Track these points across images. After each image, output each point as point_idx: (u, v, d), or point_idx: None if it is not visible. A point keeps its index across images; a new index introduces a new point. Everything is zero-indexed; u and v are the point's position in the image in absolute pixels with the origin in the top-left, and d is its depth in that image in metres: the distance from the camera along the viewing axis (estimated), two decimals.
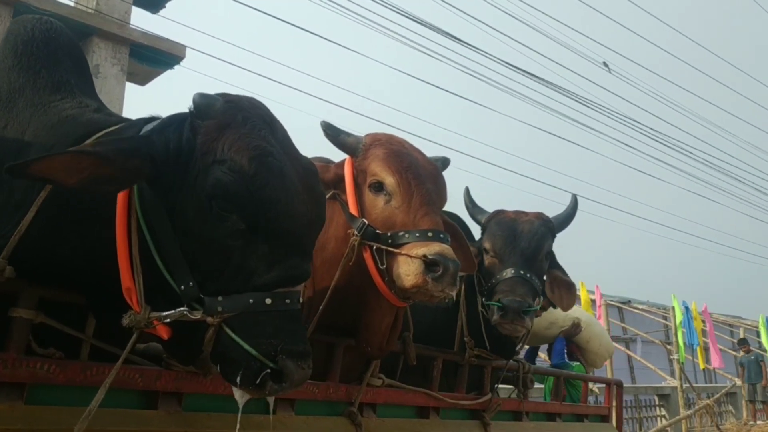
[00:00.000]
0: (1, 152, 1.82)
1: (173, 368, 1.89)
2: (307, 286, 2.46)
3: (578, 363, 5.67)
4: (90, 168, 1.49)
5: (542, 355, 6.73)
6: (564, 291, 3.36)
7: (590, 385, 5.37)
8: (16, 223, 1.71)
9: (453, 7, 11.45)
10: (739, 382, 15.56)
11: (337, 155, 2.56)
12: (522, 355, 4.04)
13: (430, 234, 2.17)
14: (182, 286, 1.53)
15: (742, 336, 17.68)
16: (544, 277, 3.21)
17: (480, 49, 11.48)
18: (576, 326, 5.65)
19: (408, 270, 2.12)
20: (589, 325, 5.92)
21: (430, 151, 2.60)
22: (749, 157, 35.33)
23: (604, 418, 4.27)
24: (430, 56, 11.01)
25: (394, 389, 2.68)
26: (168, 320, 1.54)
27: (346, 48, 13.01)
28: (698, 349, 14.82)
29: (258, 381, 1.46)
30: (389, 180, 2.30)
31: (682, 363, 13.46)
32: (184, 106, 1.69)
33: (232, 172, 1.52)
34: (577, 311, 6.12)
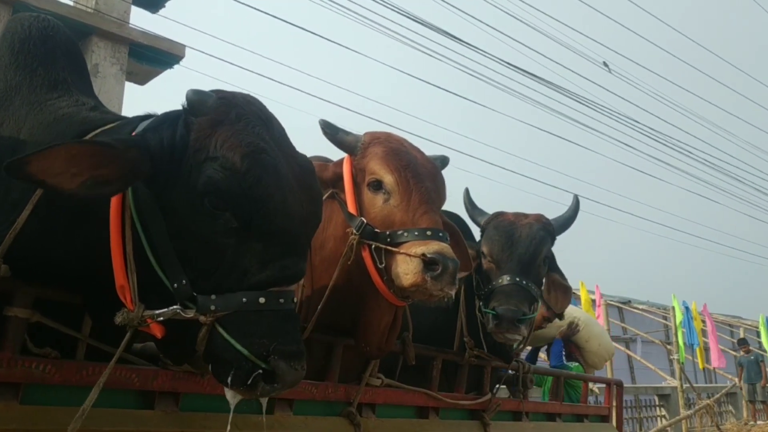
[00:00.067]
0: None
1: (170, 368, 1.87)
2: (305, 285, 2.46)
3: (577, 364, 5.68)
4: (89, 168, 1.48)
5: (542, 355, 6.72)
6: (560, 294, 3.37)
7: (590, 384, 5.37)
8: (11, 221, 1.70)
9: (453, 7, 11.45)
10: (738, 382, 15.56)
11: (335, 155, 2.55)
12: (523, 356, 4.04)
13: (429, 233, 2.16)
14: (175, 284, 1.52)
15: (742, 336, 17.69)
16: (543, 281, 3.19)
17: (480, 49, 11.47)
18: (573, 326, 5.66)
19: (407, 269, 2.11)
20: (588, 325, 5.92)
21: (430, 151, 2.59)
22: (749, 157, 35.37)
23: (604, 418, 4.26)
24: (430, 56, 11.01)
25: (394, 389, 2.66)
26: (161, 318, 1.52)
27: (346, 48, 12.98)
28: (698, 349, 14.84)
29: (249, 381, 1.44)
30: (388, 178, 2.29)
31: (682, 363, 13.47)
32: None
33: (224, 169, 1.51)
34: (576, 311, 6.12)
